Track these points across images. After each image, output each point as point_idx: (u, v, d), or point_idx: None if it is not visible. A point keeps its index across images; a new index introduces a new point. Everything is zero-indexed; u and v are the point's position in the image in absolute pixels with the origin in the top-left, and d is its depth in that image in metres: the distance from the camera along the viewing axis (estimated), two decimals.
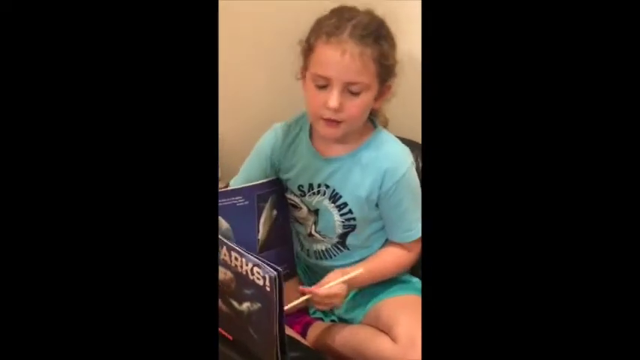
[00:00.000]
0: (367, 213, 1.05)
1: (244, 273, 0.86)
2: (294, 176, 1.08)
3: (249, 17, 1.27)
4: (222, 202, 1.02)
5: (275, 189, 1.10)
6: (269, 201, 1.08)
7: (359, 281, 1.01)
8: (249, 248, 0.90)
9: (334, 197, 1.05)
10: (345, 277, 0.99)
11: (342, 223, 1.06)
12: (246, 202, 1.05)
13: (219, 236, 0.89)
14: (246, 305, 0.89)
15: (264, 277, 0.83)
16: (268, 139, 1.10)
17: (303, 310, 1.12)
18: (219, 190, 1.06)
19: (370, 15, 0.97)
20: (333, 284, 0.98)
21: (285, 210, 1.12)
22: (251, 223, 1.07)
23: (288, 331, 0.99)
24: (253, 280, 0.85)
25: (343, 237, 1.08)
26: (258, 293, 0.85)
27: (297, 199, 1.09)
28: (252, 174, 1.10)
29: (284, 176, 1.10)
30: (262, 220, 1.08)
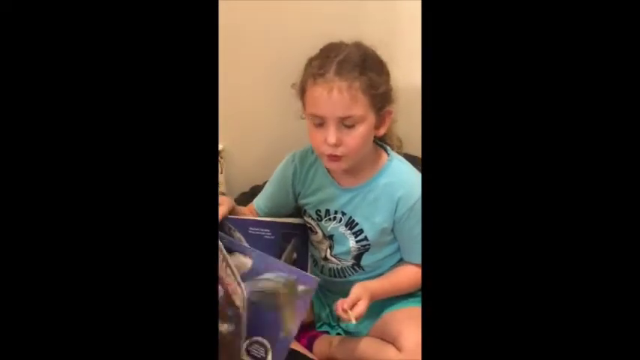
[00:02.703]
0: (382, 238, 1.09)
1: (229, 292, 0.93)
2: (312, 202, 1.13)
3: (251, 25, 1.26)
4: (253, 230, 1.10)
5: (298, 232, 1.16)
6: (292, 242, 1.14)
7: (378, 294, 1.05)
8: None
9: (351, 224, 1.10)
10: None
11: (358, 248, 1.11)
12: (273, 237, 1.12)
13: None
14: (225, 327, 0.95)
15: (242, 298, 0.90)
16: (289, 166, 1.16)
17: (309, 324, 1.16)
18: (253, 219, 1.16)
19: (357, 47, 1.00)
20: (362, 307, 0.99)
21: (304, 256, 1.17)
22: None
23: (295, 344, 1.04)
24: (234, 301, 0.92)
25: (358, 258, 1.13)
26: (234, 315, 0.93)
27: (313, 223, 1.15)
28: (275, 196, 1.17)
29: (303, 201, 1.15)
30: (282, 258, 1.13)
